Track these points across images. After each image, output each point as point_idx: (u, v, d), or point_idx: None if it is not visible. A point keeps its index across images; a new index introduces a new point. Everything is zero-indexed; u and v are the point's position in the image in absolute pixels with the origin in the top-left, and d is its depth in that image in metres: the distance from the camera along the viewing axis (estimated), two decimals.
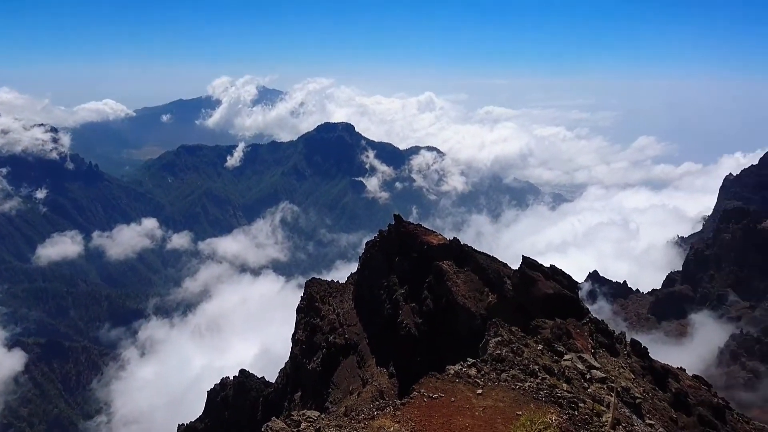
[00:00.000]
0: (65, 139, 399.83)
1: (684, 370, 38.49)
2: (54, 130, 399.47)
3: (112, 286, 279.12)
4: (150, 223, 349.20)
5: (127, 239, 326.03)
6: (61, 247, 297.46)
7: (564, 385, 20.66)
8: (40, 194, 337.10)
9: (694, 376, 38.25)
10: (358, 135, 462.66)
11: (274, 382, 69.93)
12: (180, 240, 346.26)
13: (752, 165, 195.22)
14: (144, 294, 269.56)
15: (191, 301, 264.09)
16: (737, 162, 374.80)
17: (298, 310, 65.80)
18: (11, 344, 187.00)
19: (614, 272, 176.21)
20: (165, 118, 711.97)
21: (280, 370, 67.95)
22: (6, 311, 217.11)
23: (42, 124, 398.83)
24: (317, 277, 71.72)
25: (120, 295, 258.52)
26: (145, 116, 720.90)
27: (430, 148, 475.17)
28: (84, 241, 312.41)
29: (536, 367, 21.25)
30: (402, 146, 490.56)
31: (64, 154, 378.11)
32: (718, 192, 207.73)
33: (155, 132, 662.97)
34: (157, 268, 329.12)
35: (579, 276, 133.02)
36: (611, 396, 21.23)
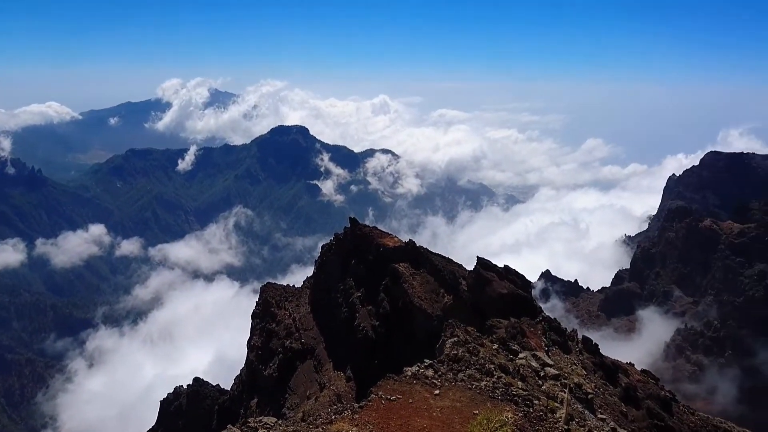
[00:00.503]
0: (5, 143, 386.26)
1: (633, 365, 39.75)
2: None
3: (58, 296, 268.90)
4: (97, 230, 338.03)
5: (74, 246, 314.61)
6: (2, 256, 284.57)
7: (519, 383, 21.00)
8: None
9: (643, 371, 39.55)
10: (313, 138, 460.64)
11: (229, 389, 68.82)
12: (129, 246, 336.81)
13: (694, 166, 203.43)
14: (92, 303, 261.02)
15: (142, 309, 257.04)
16: (680, 163, 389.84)
17: (254, 316, 65.00)
18: None
19: (566, 271, 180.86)
20: (113, 121, 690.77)
21: (236, 377, 66.93)
22: None
23: None
24: (272, 281, 70.96)
25: (66, 304, 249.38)
26: (92, 119, 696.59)
27: (384, 151, 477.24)
28: (27, 249, 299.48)
29: (492, 366, 21.54)
30: (357, 149, 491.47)
31: (3, 158, 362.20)
32: (662, 192, 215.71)
33: (102, 135, 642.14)
34: (105, 276, 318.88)
35: (532, 275, 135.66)
36: (564, 392, 21.70)
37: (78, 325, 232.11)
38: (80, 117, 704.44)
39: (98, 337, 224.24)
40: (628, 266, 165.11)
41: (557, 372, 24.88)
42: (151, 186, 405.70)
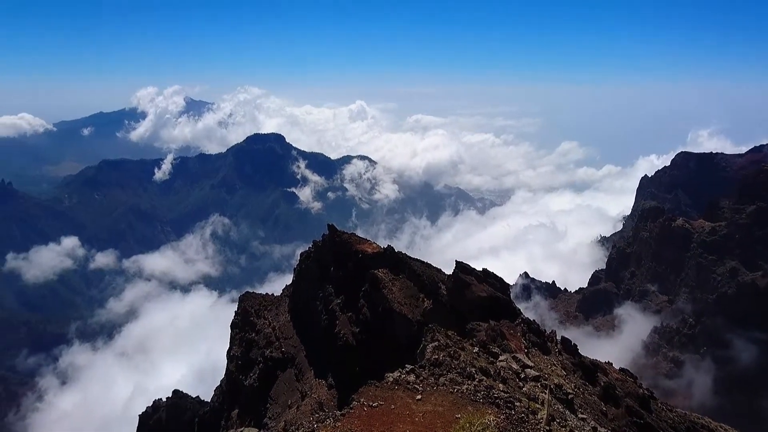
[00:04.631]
0: None
1: (611, 364, 40.16)
2: None
3: (31, 311, 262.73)
4: (71, 242, 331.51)
5: (46, 260, 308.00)
6: None
7: (500, 385, 21.09)
8: None
9: (621, 369, 39.97)
10: (289, 145, 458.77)
11: (209, 401, 67.95)
12: (104, 259, 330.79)
13: (665, 166, 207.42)
14: (66, 318, 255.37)
15: (117, 323, 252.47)
16: (652, 164, 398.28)
17: (233, 326, 64.27)
18: None
19: (544, 273, 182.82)
20: (85, 131, 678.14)
21: (216, 388, 66.08)
22: None
23: None
24: (251, 290, 70.26)
25: (40, 319, 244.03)
26: (64, 130, 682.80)
27: (361, 157, 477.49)
28: None
29: (473, 369, 21.60)
30: (333, 156, 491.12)
31: None
32: (635, 192, 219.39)
33: (75, 147, 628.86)
34: (79, 290, 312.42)
35: (510, 278, 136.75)
36: (545, 393, 21.84)
37: (51, 341, 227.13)
38: (54, 128, 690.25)
39: (71, 352, 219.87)
40: (604, 266, 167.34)
41: (537, 373, 25.05)
42: (126, 197, 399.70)
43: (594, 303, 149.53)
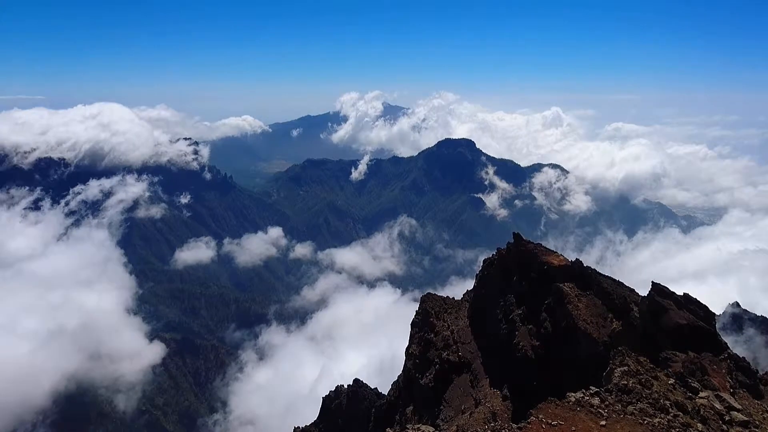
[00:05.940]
0: (204, 152, 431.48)
1: None
2: (195, 143, 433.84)
3: (240, 290, 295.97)
4: (276, 233, 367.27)
5: (255, 247, 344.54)
6: (197, 252, 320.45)
7: (699, 425, 18.95)
8: (182, 202, 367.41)
9: None
10: (479, 151, 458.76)
11: (386, 393, 70.46)
12: (302, 250, 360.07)
13: None
14: (267, 300, 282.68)
15: (309, 309, 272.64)
16: None
17: (413, 324, 65.90)
18: (152, 338, 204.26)
19: (761, 306, 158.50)
20: (294, 132, 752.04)
21: (393, 382, 68.24)
22: (149, 308, 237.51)
23: (186, 138, 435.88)
24: (432, 292, 71.41)
25: (246, 299, 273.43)
26: (277, 131, 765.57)
27: (553, 166, 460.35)
28: (217, 246, 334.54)
29: (667, 402, 19.68)
30: (523, 163, 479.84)
31: (203, 165, 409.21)
32: None
33: (285, 146, 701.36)
34: (280, 276, 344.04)
35: (717, 308, 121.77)
36: None
37: (254, 320, 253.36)
38: (269, 129, 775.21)
39: (269, 332, 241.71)
40: None
41: (746, 418, 21.99)
42: (325, 194, 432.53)
43: None
